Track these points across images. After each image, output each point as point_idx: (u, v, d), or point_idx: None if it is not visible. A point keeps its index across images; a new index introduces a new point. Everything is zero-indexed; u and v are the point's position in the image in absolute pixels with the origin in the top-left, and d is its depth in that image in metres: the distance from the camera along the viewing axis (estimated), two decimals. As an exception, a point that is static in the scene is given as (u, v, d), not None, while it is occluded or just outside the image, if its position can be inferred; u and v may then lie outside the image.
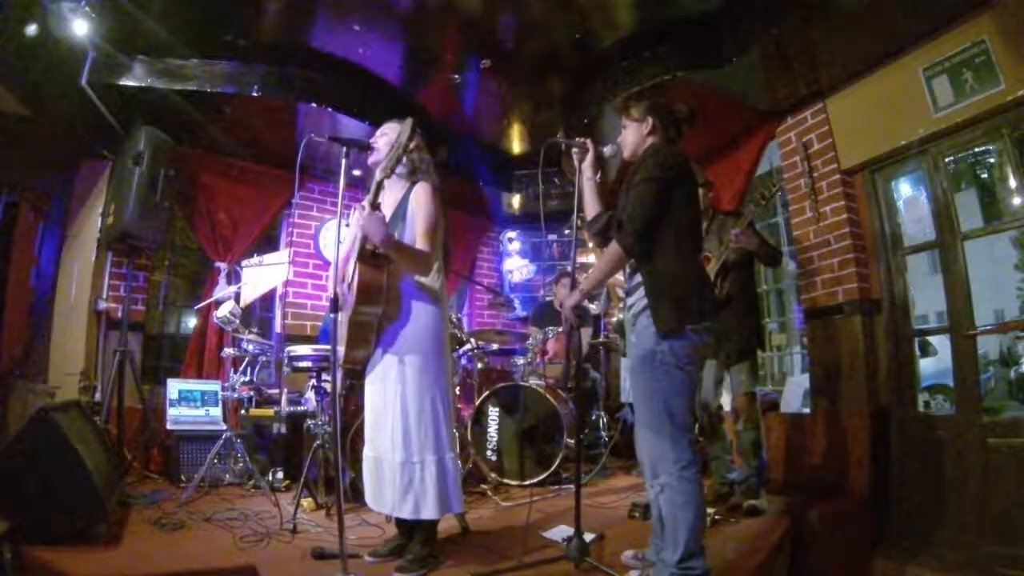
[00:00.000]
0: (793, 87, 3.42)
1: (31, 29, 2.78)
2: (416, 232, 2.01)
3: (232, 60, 3.43)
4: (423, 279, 2.04)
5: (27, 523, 2.02)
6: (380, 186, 1.93)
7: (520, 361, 3.95)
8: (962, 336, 2.79)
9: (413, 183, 2.10)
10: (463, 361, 3.65)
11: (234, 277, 4.10)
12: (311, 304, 4.64)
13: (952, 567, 2.56)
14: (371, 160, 2.11)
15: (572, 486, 2.02)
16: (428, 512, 1.93)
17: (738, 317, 2.77)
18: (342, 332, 1.99)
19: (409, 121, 1.95)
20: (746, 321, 2.79)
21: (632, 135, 2.01)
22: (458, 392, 3.46)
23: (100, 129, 3.55)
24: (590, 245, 5.35)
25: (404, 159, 1.98)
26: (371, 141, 2.15)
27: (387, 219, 2.03)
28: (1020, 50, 2.50)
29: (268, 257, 3.99)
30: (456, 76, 3.68)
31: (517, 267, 6.03)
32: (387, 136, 2.11)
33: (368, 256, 1.93)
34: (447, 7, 3.04)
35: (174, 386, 3.61)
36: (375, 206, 1.90)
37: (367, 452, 2.06)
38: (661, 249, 1.81)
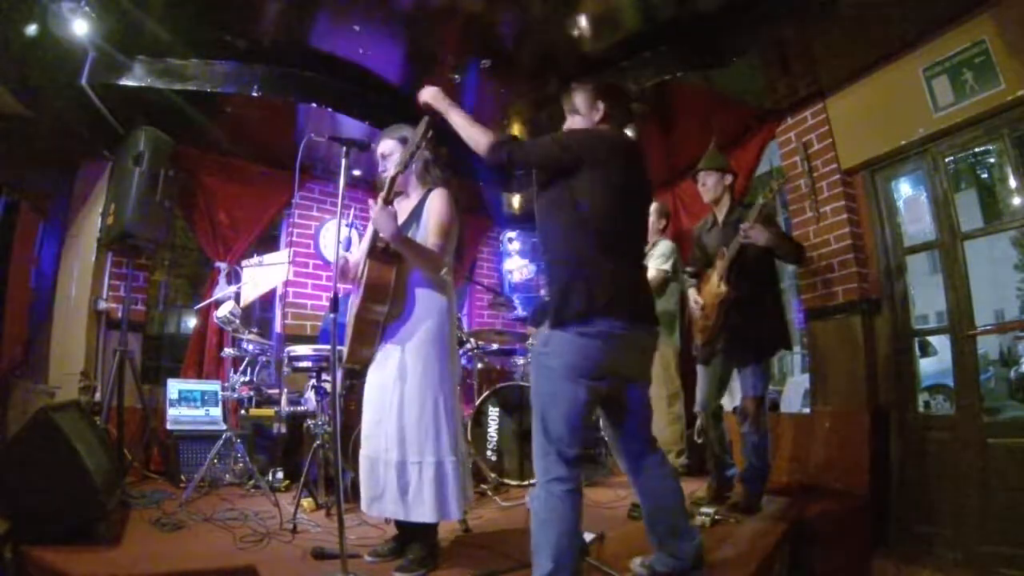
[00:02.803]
0: (793, 87, 3.42)
1: (31, 29, 2.77)
2: (428, 232, 2.02)
3: (232, 60, 3.42)
4: (431, 281, 2.05)
5: (27, 523, 2.02)
6: (394, 181, 1.94)
7: (520, 361, 3.95)
8: (962, 336, 2.78)
9: (429, 189, 2.12)
10: (463, 361, 3.65)
11: (234, 277, 4.09)
12: (311, 304, 4.64)
13: (952, 567, 2.57)
14: (384, 175, 2.10)
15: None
16: (423, 516, 1.91)
17: (751, 317, 2.63)
18: (347, 329, 2.00)
19: (426, 119, 1.94)
20: (762, 322, 2.64)
21: (577, 124, 1.87)
22: (458, 392, 3.46)
23: (100, 129, 3.54)
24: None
25: (418, 155, 1.98)
26: (380, 152, 2.14)
27: (404, 222, 2.04)
28: (1020, 50, 2.50)
29: (268, 257, 4.00)
30: (456, 76, 3.68)
31: (517, 267, 6.03)
32: (394, 156, 2.09)
33: (379, 253, 1.94)
34: (447, 7, 3.04)
35: (174, 386, 3.61)
36: (388, 201, 1.91)
37: (363, 453, 2.05)
38: (555, 235, 1.72)
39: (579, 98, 1.88)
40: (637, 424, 1.83)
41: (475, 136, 1.79)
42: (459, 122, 1.84)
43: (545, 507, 1.54)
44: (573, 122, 1.90)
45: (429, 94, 1.92)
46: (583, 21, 3.16)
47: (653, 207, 3.75)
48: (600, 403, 1.78)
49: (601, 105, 1.85)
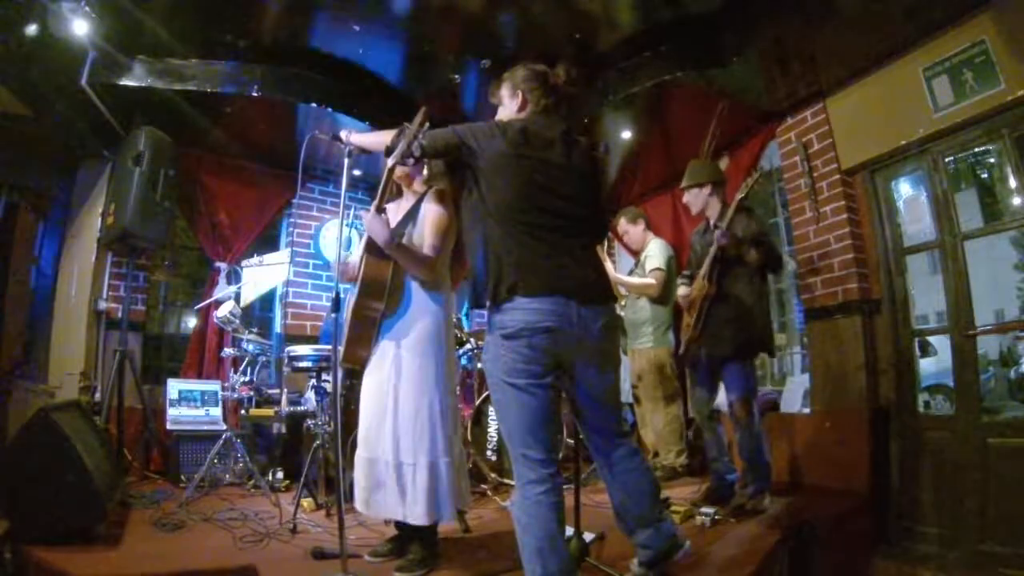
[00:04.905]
0: (793, 87, 3.42)
1: (31, 29, 2.77)
2: (424, 232, 2.03)
3: (232, 60, 3.42)
4: (429, 280, 2.05)
5: (27, 523, 2.02)
6: (392, 172, 1.93)
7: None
8: (962, 336, 2.79)
9: (427, 189, 2.12)
10: (463, 361, 3.66)
11: (234, 277, 4.10)
12: (311, 304, 4.64)
13: (952, 567, 2.56)
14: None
15: (572, 486, 2.02)
16: (416, 518, 1.90)
17: (728, 317, 2.65)
18: (344, 328, 2.00)
19: (423, 110, 1.94)
20: (741, 322, 2.64)
21: (503, 114, 1.83)
22: (458, 392, 3.46)
23: (100, 129, 3.55)
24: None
25: (415, 146, 1.98)
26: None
27: (399, 221, 2.04)
28: (1020, 50, 2.50)
29: (268, 257, 4.00)
30: (456, 76, 3.68)
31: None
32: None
33: (375, 248, 1.94)
34: (447, 7, 3.04)
35: (174, 386, 3.62)
36: (380, 209, 1.91)
37: (360, 453, 2.04)
38: (467, 227, 1.72)
39: (504, 88, 1.85)
40: (598, 414, 1.73)
41: (383, 139, 1.85)
42: (365, 139, 1.98)
43: (523, 512, 1.51)
44: (500, 114, 1.85)
45: (344, 135, 2.08)
46: (583, 21, 3.16)
47: (620, 216, 3.80)
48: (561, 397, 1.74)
49: (519, 92, 1.80)
